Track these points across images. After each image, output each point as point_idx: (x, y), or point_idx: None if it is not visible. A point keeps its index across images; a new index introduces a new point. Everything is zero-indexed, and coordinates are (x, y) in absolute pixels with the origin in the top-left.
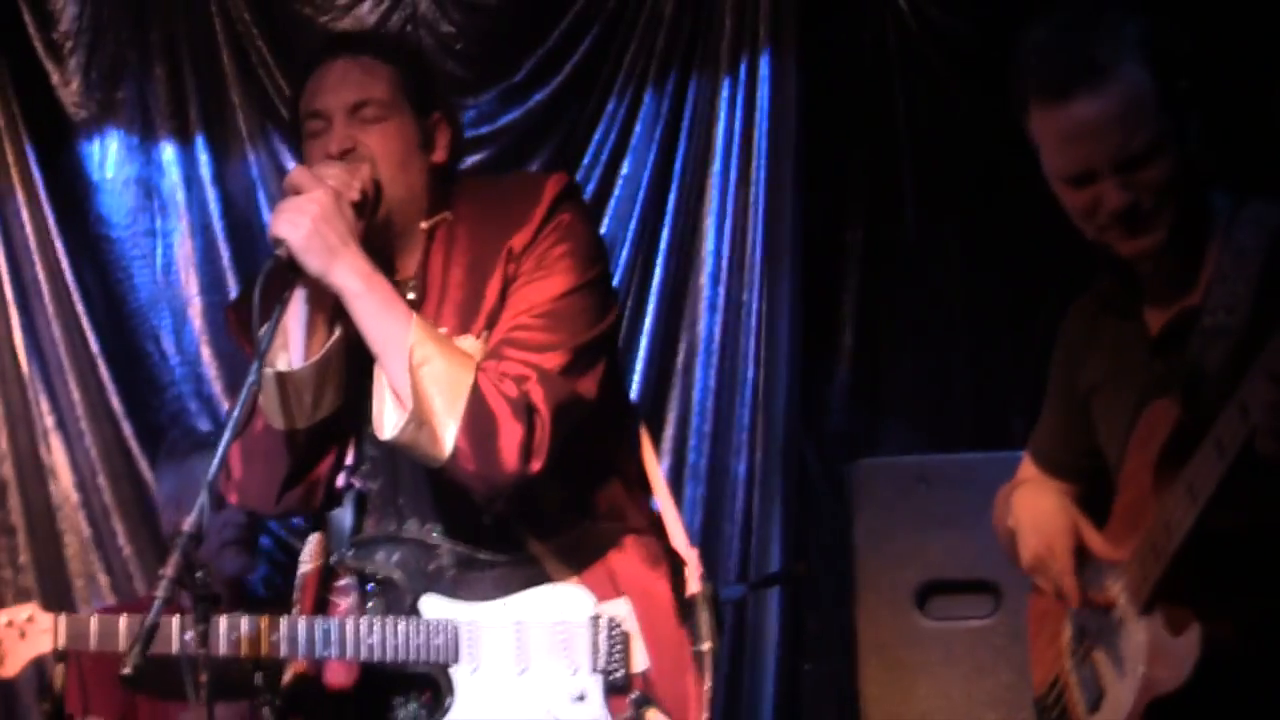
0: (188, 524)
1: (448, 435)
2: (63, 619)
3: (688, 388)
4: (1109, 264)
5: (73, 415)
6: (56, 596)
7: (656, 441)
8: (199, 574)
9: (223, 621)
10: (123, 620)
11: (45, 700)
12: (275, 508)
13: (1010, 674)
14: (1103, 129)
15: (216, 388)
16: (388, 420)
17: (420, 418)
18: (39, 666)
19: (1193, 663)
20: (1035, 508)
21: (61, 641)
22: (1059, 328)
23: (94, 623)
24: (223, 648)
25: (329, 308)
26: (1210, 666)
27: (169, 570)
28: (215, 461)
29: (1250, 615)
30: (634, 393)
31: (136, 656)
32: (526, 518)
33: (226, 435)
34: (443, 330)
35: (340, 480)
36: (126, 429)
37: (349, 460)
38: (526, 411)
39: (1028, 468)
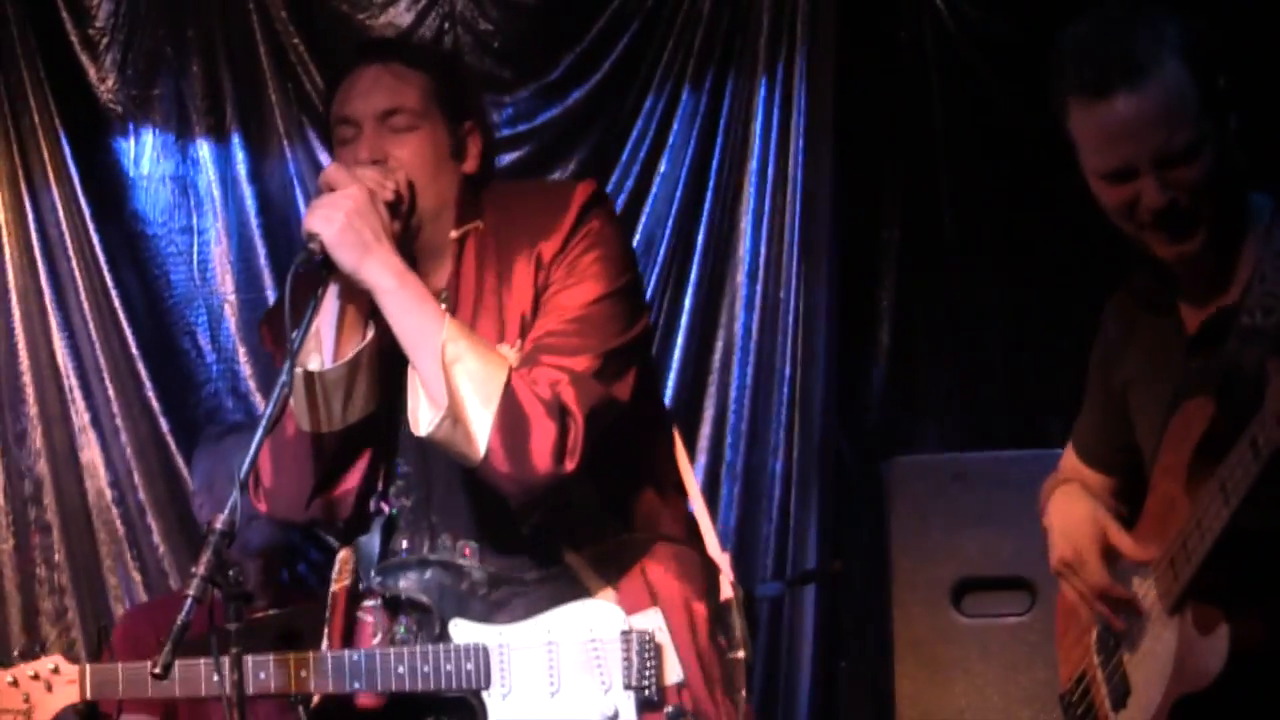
0: (219, 522)
1: (482, 433)
2: (88, 669)
3: (724, 386)
4: (1146, 260)
5: (108, 412)
6: (90, 594)
7: (693, 440)
8: (231, 572)
9: (250, 660)
10: (146, 667)
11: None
12: (304, 514)
13: (1045, 670)
14: (1143, 127)
15: (252, 384)
16: (423, 416)
17: (455, 414)
18: None
19: (1222, 661)
20: (1067, 513)
21: (89, 693)
22: (1097, 323)
23: (121, 670)
24: (250, 688)
25: (363, 308)
26: (1239, 665)
27: (201, 568)
28: (248, 460)
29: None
30: (670, 391)
31: (167, 656)
32: (558, 529)
33: (259, 434)
34: None
35: (371, 505)
36: (163, 426)
37: (379, 486)
38: (560, 412)
39: (1069, 458)
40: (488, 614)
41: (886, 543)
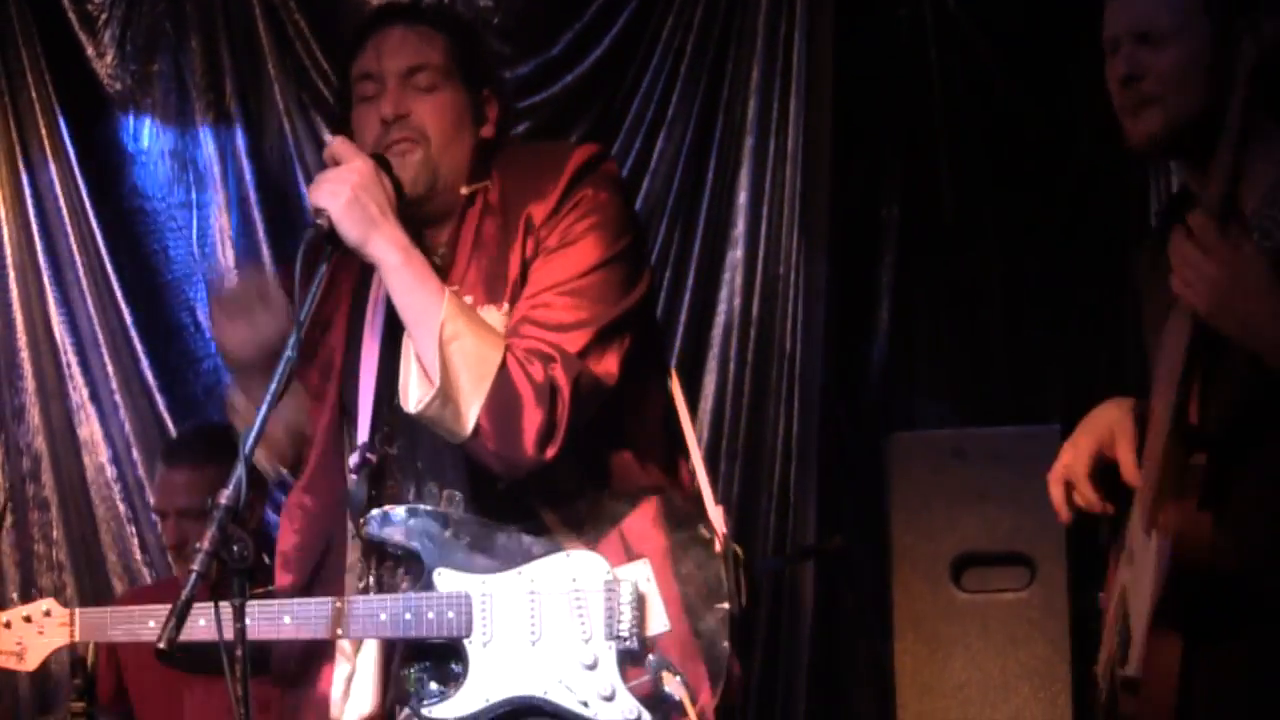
0: (224, 497)
1: (471, 413)
2: (78, 613)
3: (724, 363)
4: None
5: (107, 389)
6: (90, 571)
7: (693, 414)
8: (236, 547)
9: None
10: (137, 611)
11: (77, 676)
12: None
13: (1044, 646)
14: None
15: None
16: (413, 393)
17: (446, 393)
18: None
19: (1169, 553)
20: (1100, 411)
21: (78, 635)
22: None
23: (110, 615)
24: (229, 633)
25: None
26: (1185, 559)
27: (205, 543)
28: (253, 435)
29: (1238, 502)
30: (672, 366)
31: (171, 631)
32: (544, 485)
33: (263, 409)
34: (468, 299)
35: (354, 458)
36: (161, 402)
37: (362, 438)
38: (550, 395)
39: None
40: (472, 563)
41: (886, 519)
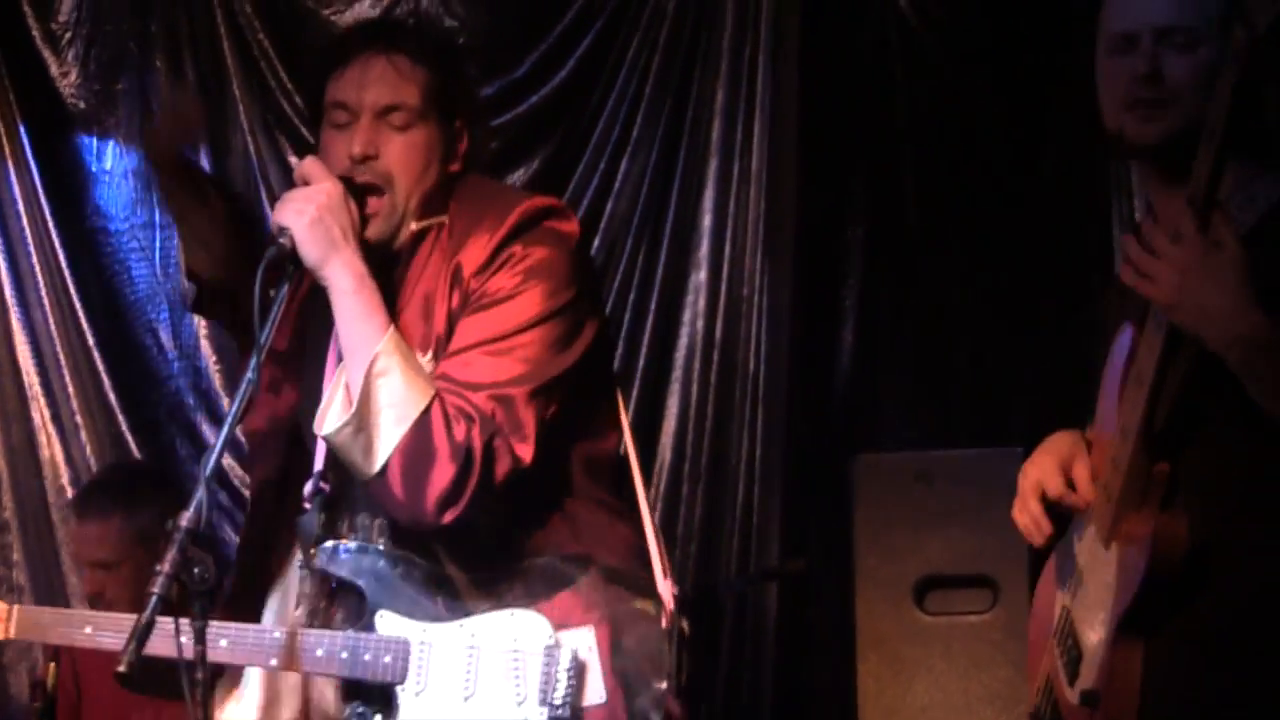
0: (185, 519)
1: (383, 451)
2: (16, 609)
3: (688, 384)
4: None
5: (68, 409)
6: (49, 593)
7: (656, 438)
8: (197, 569)
9: (166, 623)
10: (76, 615)
11: (37, 699)
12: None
13: (1007, 669)
14: None
15: (215, 381)
16: (331, 416)
17: (361, 423)
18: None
19: (1145, 564)
20: (1057, 435)
21: (12, 632)
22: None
23: (49, 615)
24: (164, 648)
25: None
26: (1162, 563)
27: (166, 565)
28: (213, 457)
29: (1205, 506)
30: (634, 390)
31: (132, 654)
32: (497, 537)
33: (224, 430)
34: None
35: (309, 486)
36: (123, 423)
37: (318, 465)
38: (465, 457)
39: None
40: (416, 609)
41: (850, 541)
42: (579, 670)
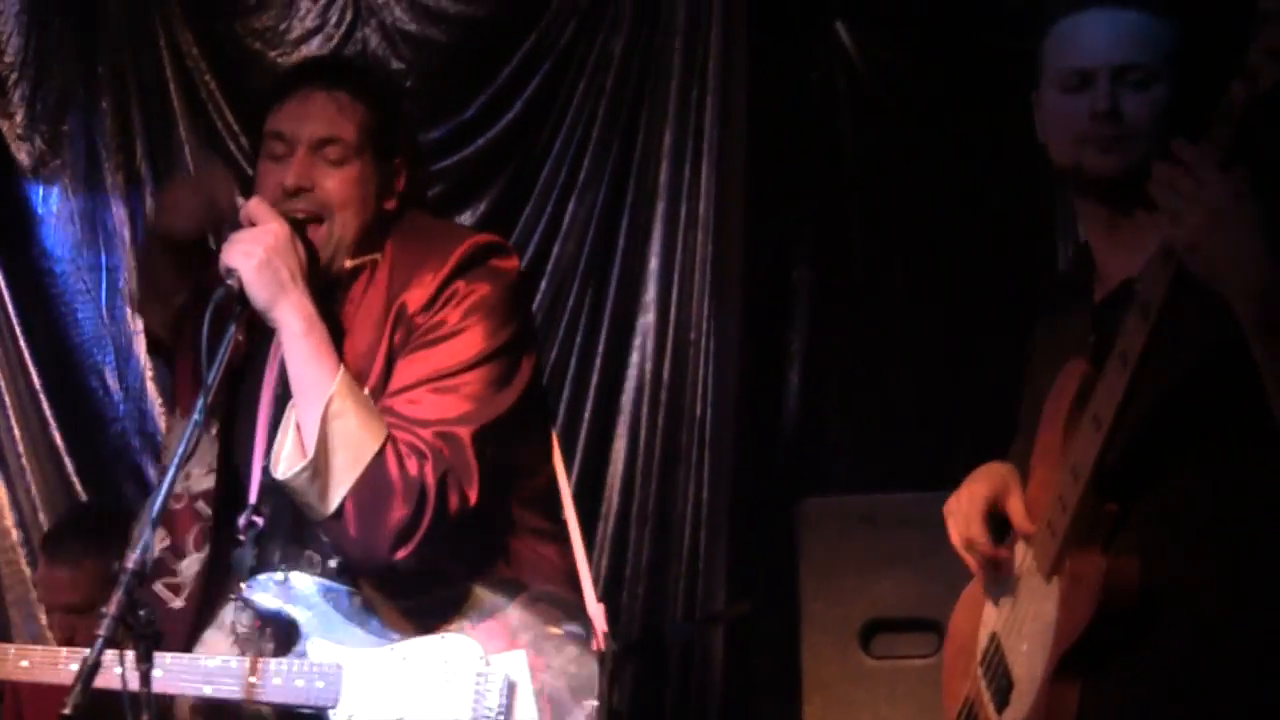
0: (130, 561)
1: (338, 493)
2: None
3: (635, 427)
4: (1070, 261)
5: (14, 451)
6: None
7: (602, 480)
8: (142, 611)
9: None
10: (12, 649)
11: None
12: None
13: None
14: (1113, 34)
15: (161, 424)
16: (285, 460)
17: (317, 467)
18: None
19: (1095, 603)
20: (986, 467)
21: None
22: (1008, 365)
23: None
24: (102, 680)
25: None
26: (1113, 603)
27: (111, 608)
28: (159, 499)
29: (1154, 548)
30: (582, 433)
31: (78, 696)
32: (425, 567)
33: (170, 474)
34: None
35: (242, 519)
36: (69, 466)
37: (252, 498)
38: (419, 494)
39: None
40: (347, 635)
41: (796, 584)
42: (510, 692)
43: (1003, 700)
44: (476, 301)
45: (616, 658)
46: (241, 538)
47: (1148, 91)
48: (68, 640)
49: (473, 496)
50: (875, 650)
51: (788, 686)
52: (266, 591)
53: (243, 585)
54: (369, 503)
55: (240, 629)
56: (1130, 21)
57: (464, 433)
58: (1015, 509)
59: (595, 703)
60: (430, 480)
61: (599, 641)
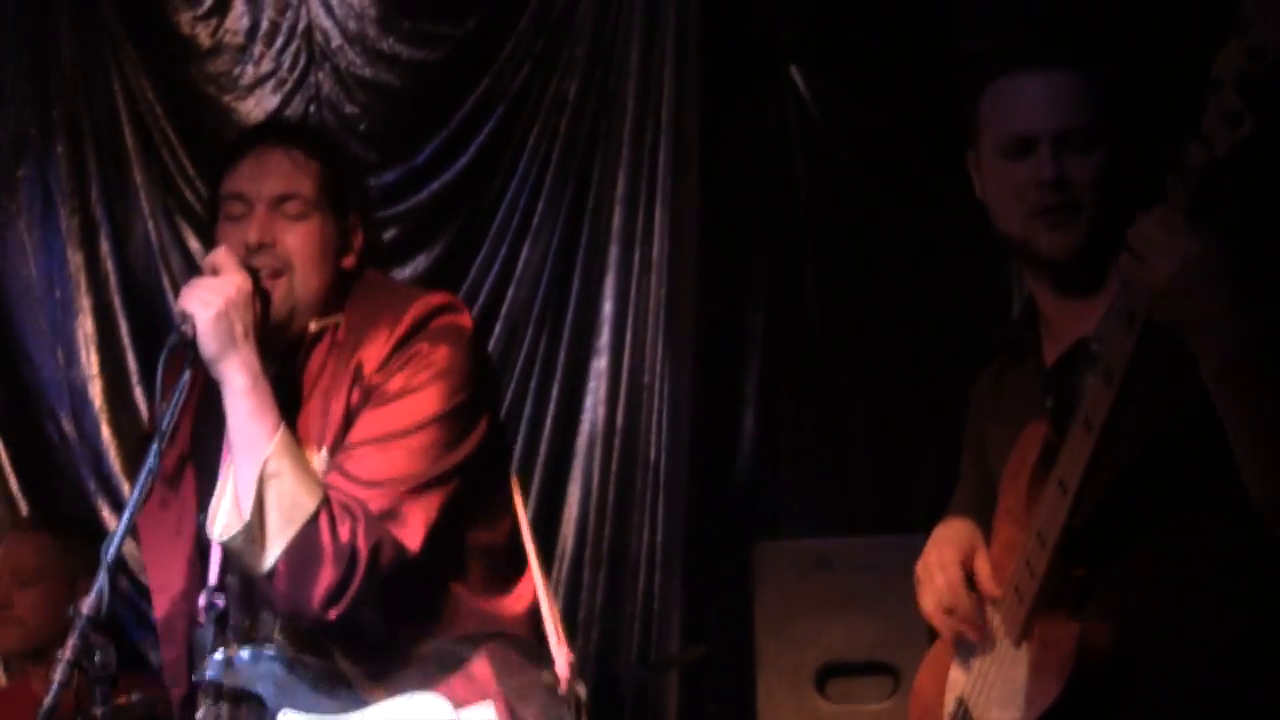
0: (86, 605)
1: (272, 553)
2: None
3: (589, 471)
4: (1020, 316)
5: None
6: None
7: (557, 524)
8: (98, 656)
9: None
10: None
11: None
12: None
13: None
14: (1053, 100)
15: (115, 467)
16: (220, 520)
17: (250, 530)
18: None
19: (1067, 670)
20: (949, 524)
21: None
22: (963, 408)
23: None
24: None
25: None
26: (1085, 670)
27: (67, 653)
28: (115, 543)
29: (1124, 613)
30: (536, 477)
31: None
32: (389, 627)
33: (125, 516)
34: (295, 437)
35: (202, 599)
36: (22, 508)
37: (212, 580)
38: (349, 559)
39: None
40: (316, 705)
41: (751, 628)
42: None
43: None
44: (436, 364)
45: (583, 702)
46: (201, 620)
47: (1090, 155)
48: (3, 605)
49: (414, 544)
50: (831, 694)
51: None
52: (231, 670)
53: (204, 666)
54: (299, 565)
55: (207, 711)
56: (1067, 83)
57: (406, 490)
58: (982, 571)
59: None
60: (361, 545)
61: (565, 686)
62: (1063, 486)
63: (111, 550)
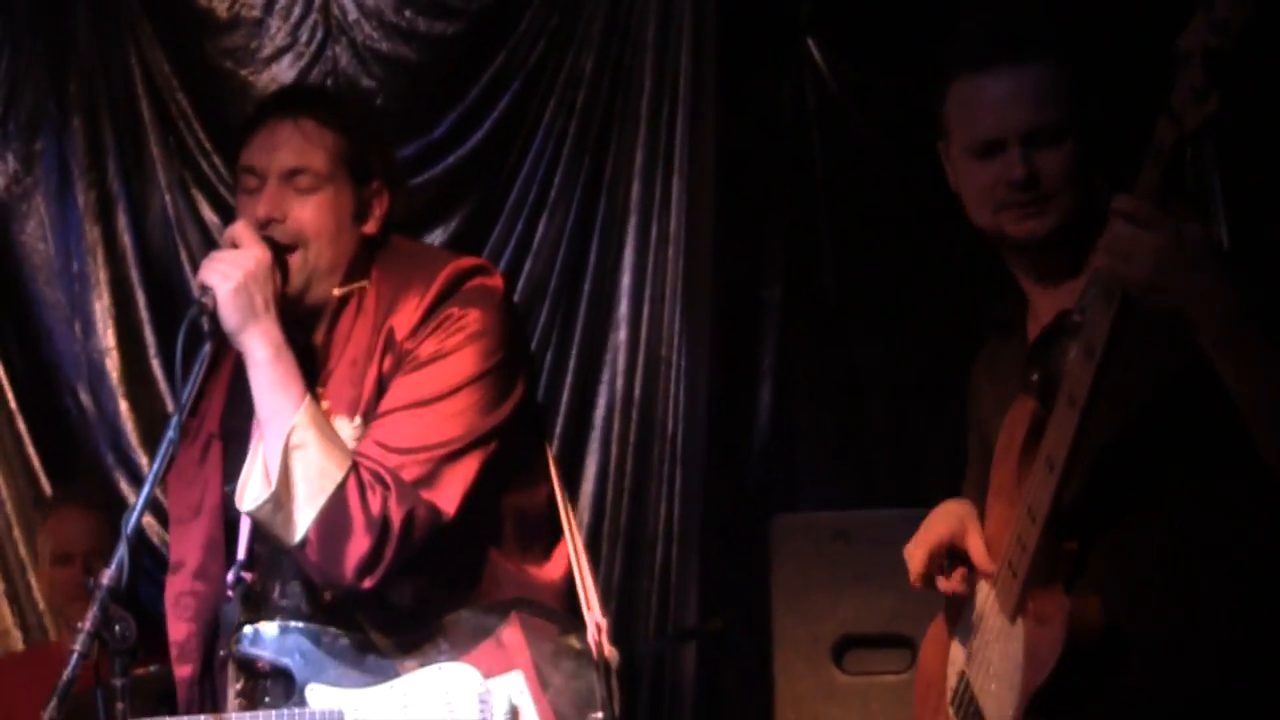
0: (106, 577)
1: (301, 523)
2: None
3: (606, 444)
4: (1002, 291)
5: None
6: None
7: (574, 498)
8: (118, 627)
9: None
10: None
11: None
12: None
13: None
14: (1017, 99)
15: (133, 440)
16: (250, 491)
17: (278, 500)
18: None
19: (1059, 644)
20: (944, 505)
21: None
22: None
23: None
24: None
25: None
26: (1077, 645)
27: (87, 623)
28: (135, 514)
29: (1116, 585)
30: (554, 448)
31: (54, 710)
32: (419, 596)
33: (145, 490)
34: (325, 405)
35: (230, 575)
36: (44, 483)
37: (240, 554)
38: (381, 528)
39: None
40: (345, 678)
41: (768, 601)
42: (514, 714)
43: None
44: (470, 326)
45: (615, 668)
46: (230, 594)
47: (1060, 148)
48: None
49: (450, 509)
50: (848, 666)
51: (760, 703)
52: (259, 644)
53: (233, 640)
54: (330, 535)
55: (235, 685)
56: (1031, 79)
57: (443, 454)
58: (975, 548)
59: (600, 714)
60: (394, 514)
61: (597, 652)
62: (1050, 463)
63: (131, 523)
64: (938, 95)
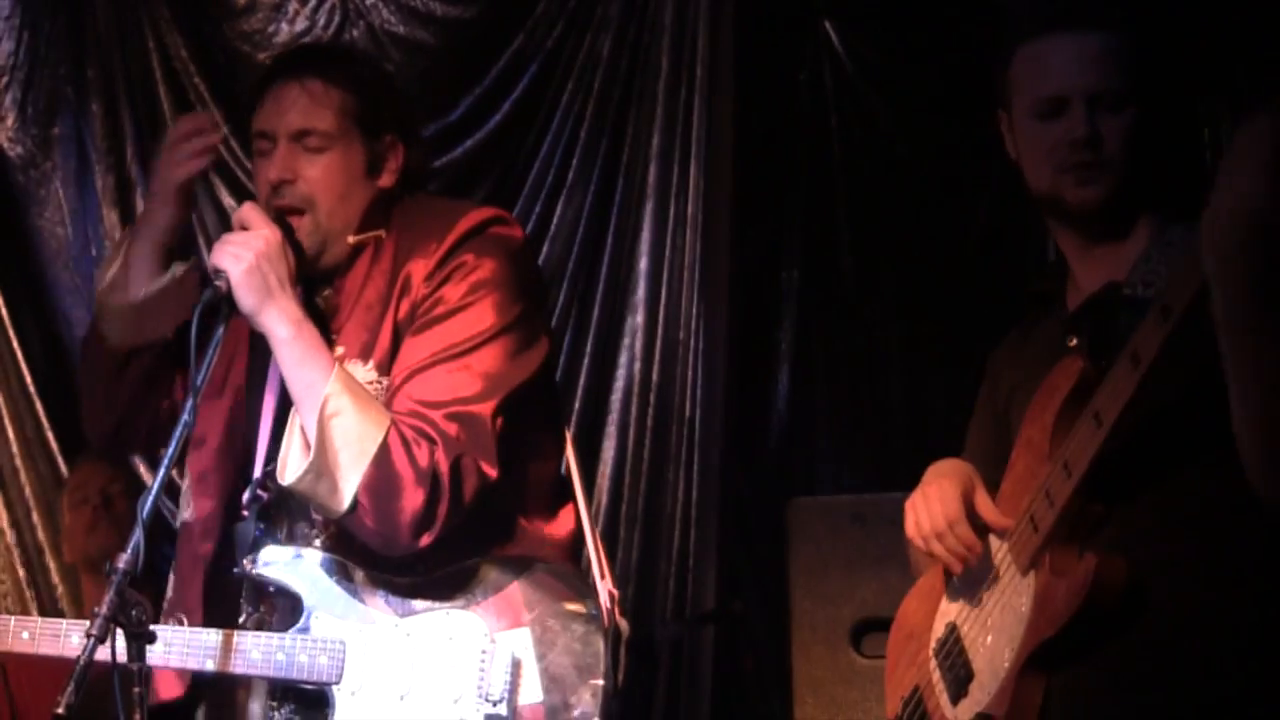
0: (122, 561)
1: (348, 489)
2: None
3: (624, 427)
4: (1044, 275)
5: (7, 453)
6: None
7: (592, 480)
8: (134, 611)
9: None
10: (13, 620)
11: None
12: (114, 439)
13: None
14: (1083, 61)
15: None
16: (291, 465)
17: (320, 468)
18: None
19: (1081, 597)
20: (943, 463)
21: None
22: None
23: None
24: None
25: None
26: (1098, 599)
27: (104, 607)
28: (150, 498)
29: (1138, 549)
30: (571, 431)
31: (70, 695)
32: (432, 544)
33: (160, 473)
34: (340, 350)
35: (247, 494)
36: (62, 466)
37: (257, 472)
38: (431, 481)
39: None
40: (351, 611)
41: (786, 584)
42: (515, 668)
43: (959, 691)
44: (486, 274)
45: (624, 637)
46: (245, 512)
47: (1121, 115)
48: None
49: (492, 472)
50: (866, 649)
51: (778, 686)
52: (271, 566)
53: (248, 559)
54: (381, 495)
55: (243, 604)
56: (1098, 44)
57: (480, 409)
58: (986, 505)
59: (601, 682)
60: (443, 466)
61: (606, 619)
62: (1098, 419)
63: (146, 507)
64: (1001, 63)
